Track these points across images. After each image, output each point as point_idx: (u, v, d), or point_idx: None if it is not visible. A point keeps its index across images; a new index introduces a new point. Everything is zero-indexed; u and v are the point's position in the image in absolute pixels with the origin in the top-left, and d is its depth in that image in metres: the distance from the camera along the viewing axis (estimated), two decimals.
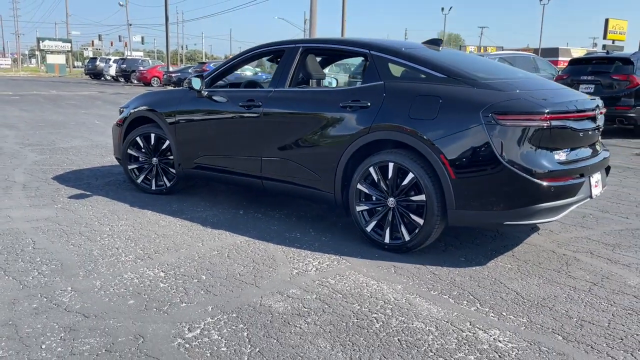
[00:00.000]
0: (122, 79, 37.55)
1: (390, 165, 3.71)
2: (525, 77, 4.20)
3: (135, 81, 34.82)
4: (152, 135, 5.23)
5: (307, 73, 4.51)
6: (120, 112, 5.62)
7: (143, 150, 5.32)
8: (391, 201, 3.74)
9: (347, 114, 3.91)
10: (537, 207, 3.37)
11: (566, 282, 3.33)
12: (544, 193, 3.35)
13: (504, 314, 2.87)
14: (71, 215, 4.55)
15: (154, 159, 5.29)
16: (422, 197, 3.59)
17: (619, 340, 2.61)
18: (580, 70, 10.70)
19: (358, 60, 10.61)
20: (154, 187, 5.34)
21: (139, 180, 5.38)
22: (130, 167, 5.40)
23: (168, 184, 5.29)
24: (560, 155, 3.49)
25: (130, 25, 65.11)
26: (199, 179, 5.29)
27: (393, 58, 3.99)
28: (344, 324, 2.72)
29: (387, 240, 3.79)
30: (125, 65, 37.20)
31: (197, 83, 4.74)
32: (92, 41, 72.09)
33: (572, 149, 3.61)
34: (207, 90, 4.83)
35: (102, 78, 41.63)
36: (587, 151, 3.78)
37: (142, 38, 68.60)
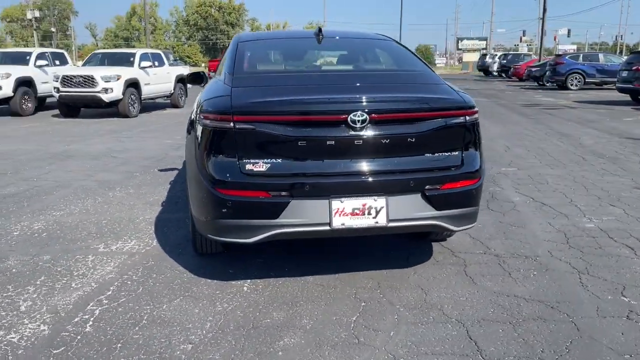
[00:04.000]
0: (503, 75, 36.02)
1: None
2: (345, 70, 3.89)
3: (512, 77, 32.37)
4: None
5: None
6: None
7: None
8: None
9: None
10: (221, 222, 2.87)
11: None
12: (223, 206, 2.82)
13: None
14: (106, 181, 6.01)
15: None
16: None
17: None
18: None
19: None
20: None
21: None
22: None
23: None
24: (257, 166, 2.79)
25: (531, 20, 61.77)
26: None
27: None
28: None
29: None
30: (505, 61, 36.06)
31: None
32: (520, 37, 67.24)
33: (288, 159, 2.82)
34: None
35: (490, 74, 39.37)
36: (331, 165, 2.83)
37: (569, 31, 60.11)
